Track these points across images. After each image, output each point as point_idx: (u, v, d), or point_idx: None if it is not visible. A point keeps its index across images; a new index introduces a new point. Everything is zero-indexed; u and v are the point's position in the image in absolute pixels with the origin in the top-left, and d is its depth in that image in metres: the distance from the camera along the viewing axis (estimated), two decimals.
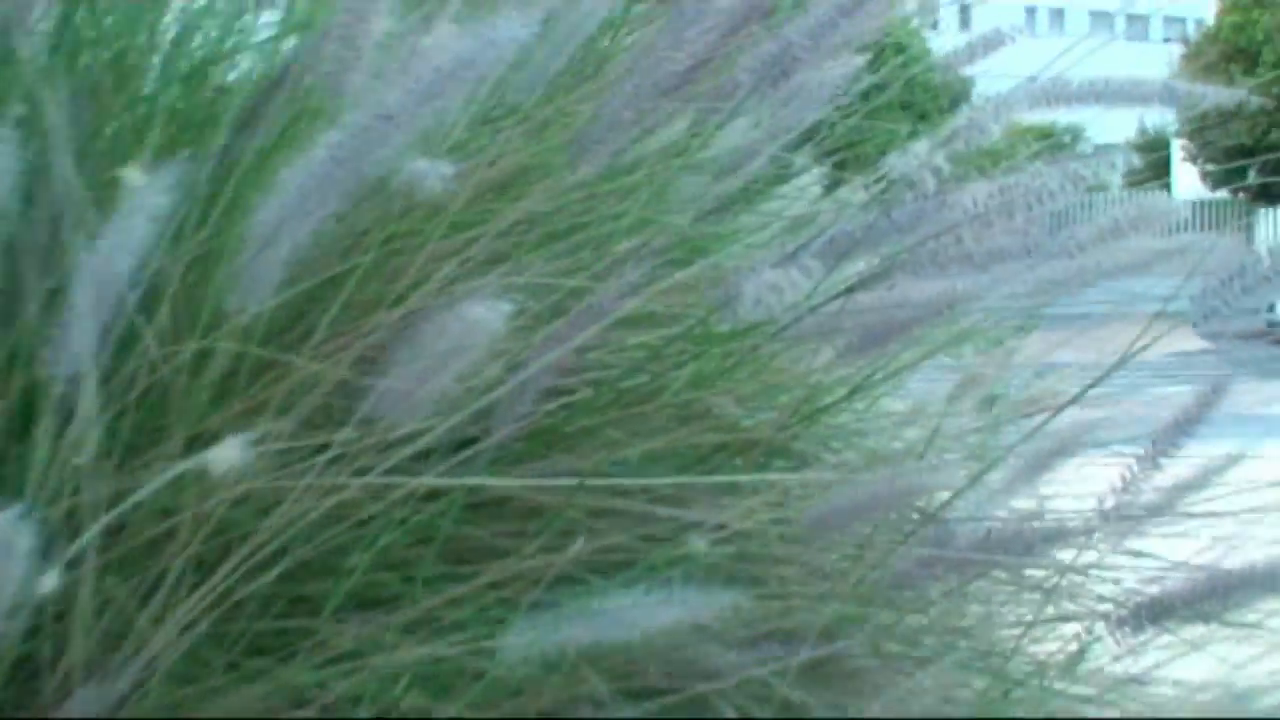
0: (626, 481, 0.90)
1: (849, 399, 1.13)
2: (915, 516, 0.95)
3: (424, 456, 0.93)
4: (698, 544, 0.78)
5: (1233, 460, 1.32)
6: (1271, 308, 15.07)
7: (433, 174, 0.85)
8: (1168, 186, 19.52)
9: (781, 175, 1.33)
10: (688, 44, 0.91)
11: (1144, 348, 1.06)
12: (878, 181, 0.89)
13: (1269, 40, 19.10)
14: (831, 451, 1.25)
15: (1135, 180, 1.60)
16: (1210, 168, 18.98)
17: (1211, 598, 1.03)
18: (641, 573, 0.93)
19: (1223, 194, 20.15)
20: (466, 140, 1.14)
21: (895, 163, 0.81)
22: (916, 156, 0.80)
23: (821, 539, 0.92)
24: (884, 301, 0.95)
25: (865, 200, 0.94)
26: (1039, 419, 1.16)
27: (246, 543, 0.84)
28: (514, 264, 0.94)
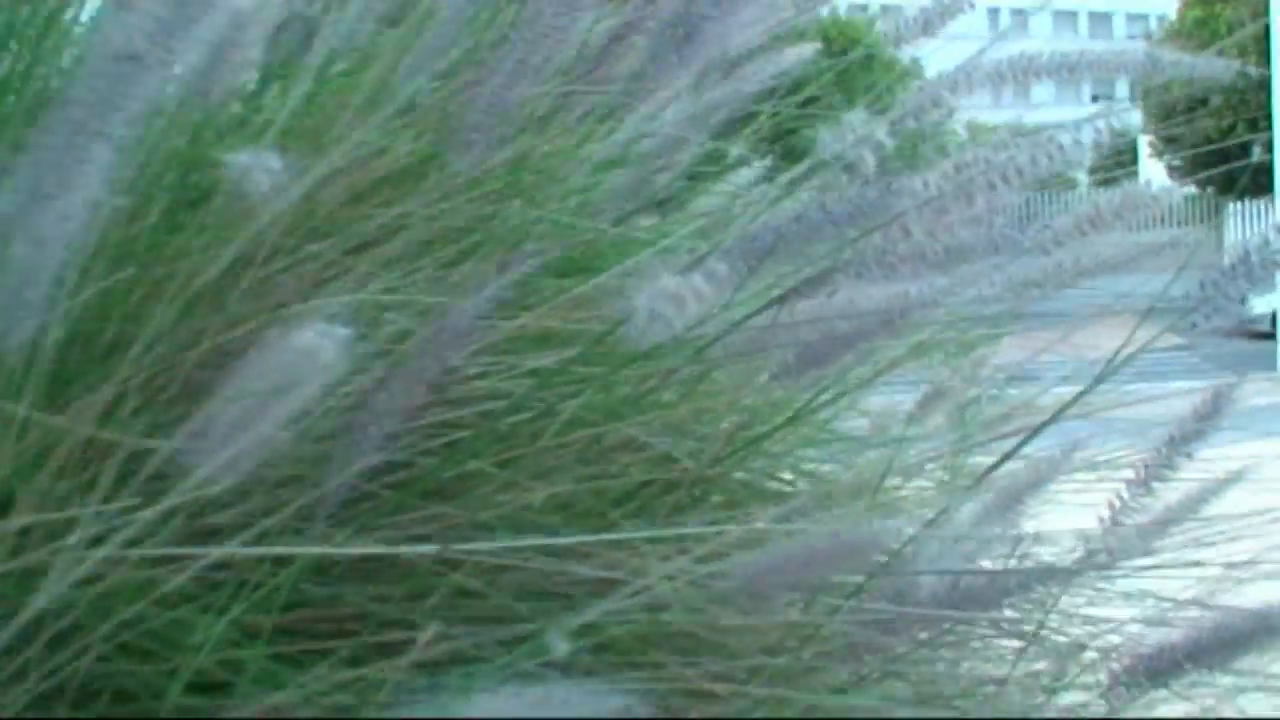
0: (492, 545, 0.74)
1: (792, 423, 0.97)
2: (871, 565, 0.79)
3: (272, 511, 0.77)
4: (558, 644, 0.62)
5: (1234, 478, 1.17)
6: (1244, 301, 14.95)
7: (257, 167, 0.69)
8: (1136, 182, 19.39)
9: (717, 169, 1.17)
10: (580, 11, 0.75)
11: (1130, 357, 0.91)
12: (813, 168, 0.73)
13: (1232, 33, 19.06)
14: (779, 482, 1.09)
15: (1103, 176, 1.45)
16: (1177, 162, 18.96)
17: (1218, 648, 0.88)
18: (539, 649, 0.77)
19: (1190, 188, 20.10)
20: (341, 135, 0.98)
21: (827, 141, 0.65)
22: (852, 131, 0.65)
23: (754, 602, 0.76)
24: (824, 311, 0.79)
25: (791, 187, 0.78)
26: (1014, 440, 1.01)
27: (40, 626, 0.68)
28: (375, 278, 0.78)
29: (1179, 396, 1.33)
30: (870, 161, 0.64)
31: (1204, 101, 18.90)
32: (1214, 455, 1.27)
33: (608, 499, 0.90)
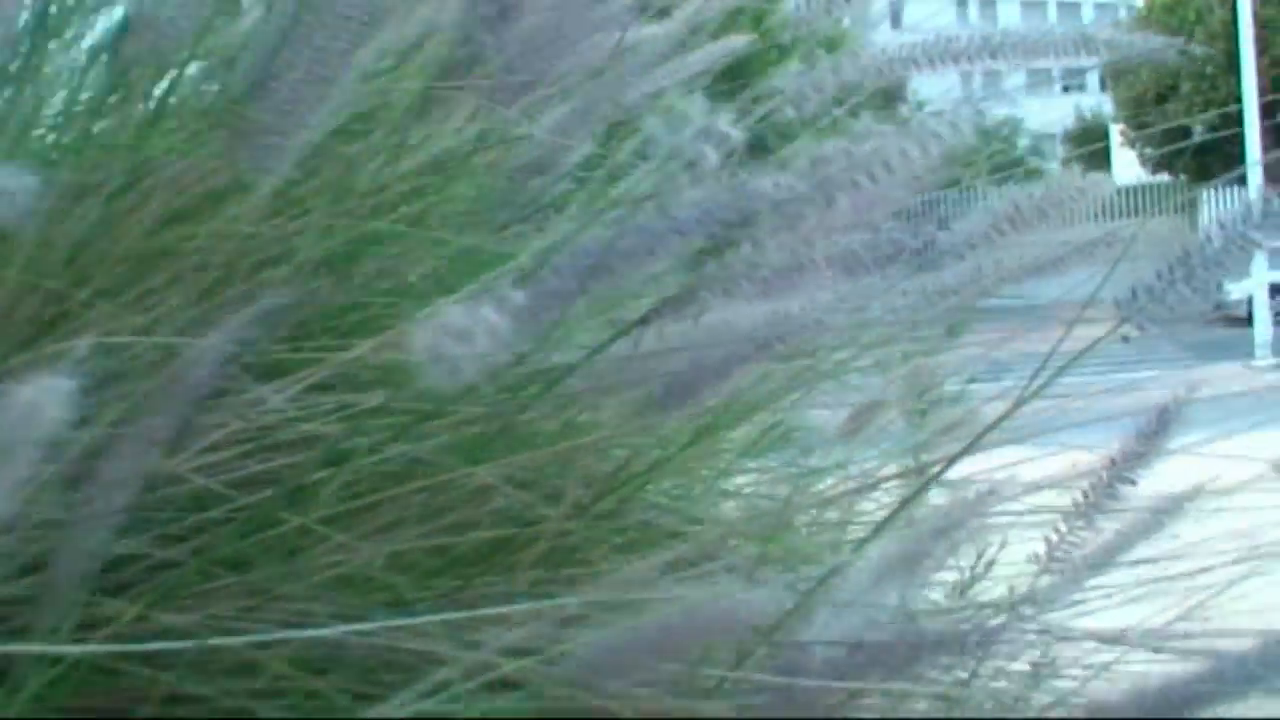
0: (271, 636, 0.62)
1: (681, 456, 0.86)
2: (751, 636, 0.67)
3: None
4: None
5: (1189, 496, 1.05)
6: (1219, 288, 14.80)
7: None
8: (1108, 172, 19.38)
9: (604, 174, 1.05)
10: None
11: (1068, 364, 0.79)
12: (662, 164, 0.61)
13: (1200, 20, 19.03)
14: (679, 519, 0.97)
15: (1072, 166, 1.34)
16: (1149, 151, 18.91)
17: (1165, 706, 0.76)
18: None
19: (1163, 177, 20.06)
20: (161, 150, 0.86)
21: (658, 133, 0.53)
22: (688, 123, 0.53)
23: (607, 682, 0.64)
24: (692, 337, 0.67)
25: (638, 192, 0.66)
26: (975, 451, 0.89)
27: None
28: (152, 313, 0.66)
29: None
30: (713, 158, 0.53)
31: (1174, 88, 18.86)
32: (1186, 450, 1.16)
33: (462, 555, 0.78)
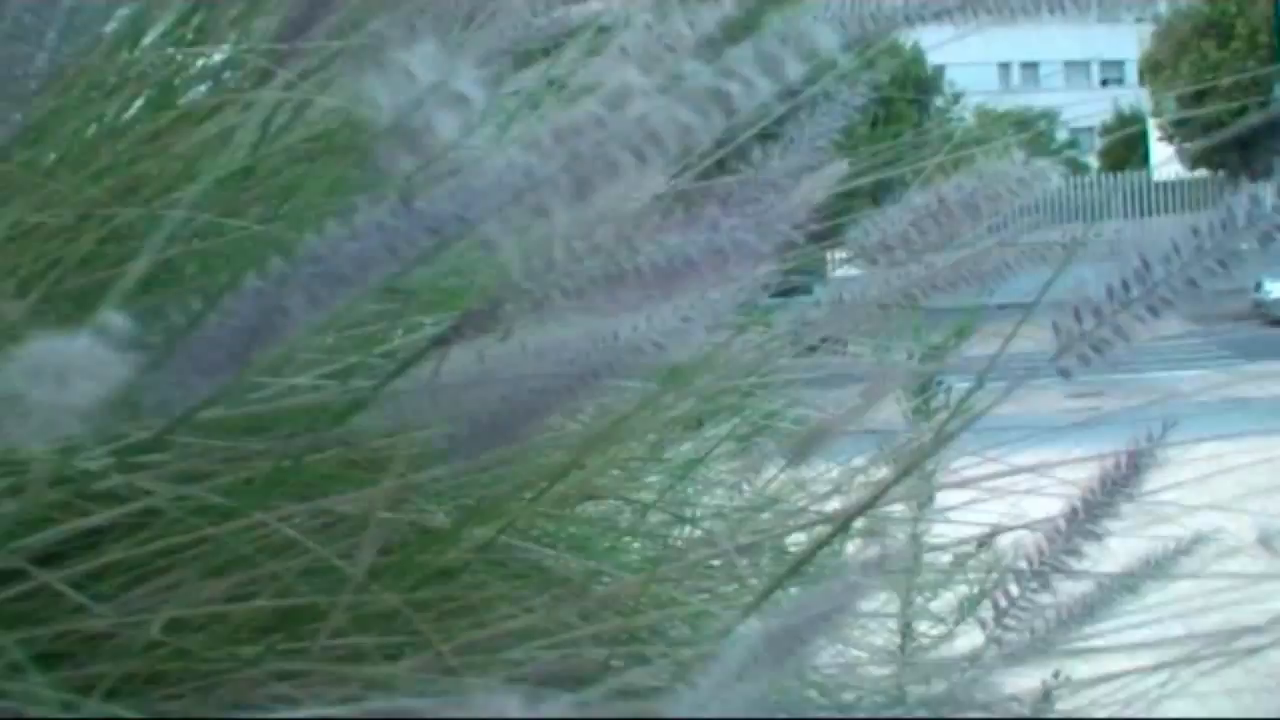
0: None
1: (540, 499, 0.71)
2: None
3: None
4: None
5: (1189, 544, 0.89)
6: (1259, 286, 14.47)
7: None
8: (1146, 168, 19.04)
9: None
10: None
11: (1019, 380, 0.64)
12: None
13: (1241, 13, 18.66)
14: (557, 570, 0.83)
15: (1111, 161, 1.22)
16: (1187, 146, 18.57)
17: None
18: None
19: (1202, 173, 19.68)
20: None
21: (381, 96, 0.38)
22: (410, 80, 0.38)
23: None
24: (501, 365, 0.53)
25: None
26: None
27: None
28: None
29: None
30: (450, 128, 0.38)
31: (1214, 82, 18.49)
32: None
33: (256, 619, 0.64)
